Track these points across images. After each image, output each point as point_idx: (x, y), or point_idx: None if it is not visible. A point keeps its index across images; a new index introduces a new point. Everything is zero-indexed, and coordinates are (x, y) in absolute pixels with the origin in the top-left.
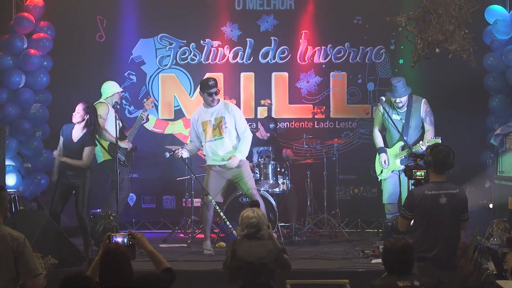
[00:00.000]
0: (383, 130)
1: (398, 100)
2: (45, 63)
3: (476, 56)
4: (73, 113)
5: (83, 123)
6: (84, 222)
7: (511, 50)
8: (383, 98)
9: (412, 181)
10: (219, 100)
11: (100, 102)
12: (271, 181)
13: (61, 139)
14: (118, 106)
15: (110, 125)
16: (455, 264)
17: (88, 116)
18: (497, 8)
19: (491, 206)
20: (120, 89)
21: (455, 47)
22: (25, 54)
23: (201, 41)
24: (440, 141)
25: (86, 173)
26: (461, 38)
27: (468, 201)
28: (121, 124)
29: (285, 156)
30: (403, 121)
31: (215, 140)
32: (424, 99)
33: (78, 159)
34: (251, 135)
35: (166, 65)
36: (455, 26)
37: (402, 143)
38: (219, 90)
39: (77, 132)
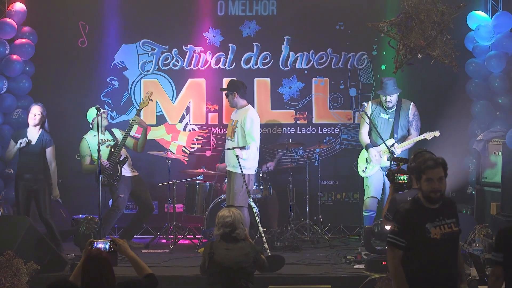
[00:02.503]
0: (370, 132)
1: (388, 99)
2: (27, 68)
3: (458, 62)
4: (30, 115)
5: (39, 125)
6: (49, 223)
7: (493, 56)
8: (365, 104)
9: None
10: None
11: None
12: (254, 187)
13: (14, 144)
14: (101, 111)
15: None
16: None
17: (46, 118)
18: (479, 14)
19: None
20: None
21: (437, 53)
22: (7, 60)
23: (184, 47)
24: (438, 134)
25: (42, 176)
26: (443, 44)
27: None
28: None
29: (266, 169)
30: (392, 119)
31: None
32: (412, 103)
33: (36, 160)
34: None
35: (148, 70)
36: (437, 32)
37: (393, 140)
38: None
39: (33, 134)
